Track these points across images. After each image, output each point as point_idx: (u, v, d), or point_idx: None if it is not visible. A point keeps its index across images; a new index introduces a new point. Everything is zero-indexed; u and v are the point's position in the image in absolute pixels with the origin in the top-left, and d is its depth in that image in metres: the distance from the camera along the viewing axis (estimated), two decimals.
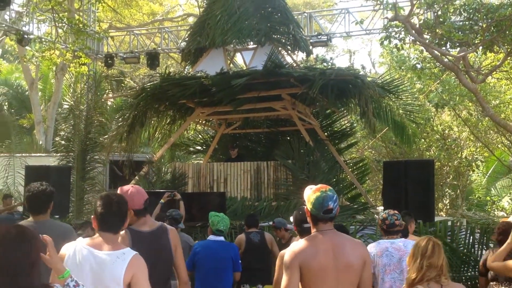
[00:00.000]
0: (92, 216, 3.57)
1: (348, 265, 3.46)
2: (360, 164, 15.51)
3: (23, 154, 17.78)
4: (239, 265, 6.14)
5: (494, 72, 14.78)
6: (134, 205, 4.24)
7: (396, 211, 5.42)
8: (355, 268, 3.49)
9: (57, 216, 10.31)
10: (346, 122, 16.49)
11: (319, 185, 3.67)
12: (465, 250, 8.78)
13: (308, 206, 3.60)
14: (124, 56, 19.82)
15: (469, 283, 8.28)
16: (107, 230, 3.46)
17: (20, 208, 12.18)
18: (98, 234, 3.48)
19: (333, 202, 3.55)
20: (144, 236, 4.27)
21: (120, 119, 14.68)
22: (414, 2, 11.79)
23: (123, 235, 4.30)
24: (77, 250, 3.38)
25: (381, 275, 5.04)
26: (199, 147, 16.87)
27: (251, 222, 7.61)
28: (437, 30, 11.36)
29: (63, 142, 15.04)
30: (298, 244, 3.59)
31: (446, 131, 20.31)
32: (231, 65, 15.97)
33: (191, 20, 25.79)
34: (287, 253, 3.56)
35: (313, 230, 3.62)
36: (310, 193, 3.61)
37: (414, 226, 6.66)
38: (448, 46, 11.96)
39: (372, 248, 5.19)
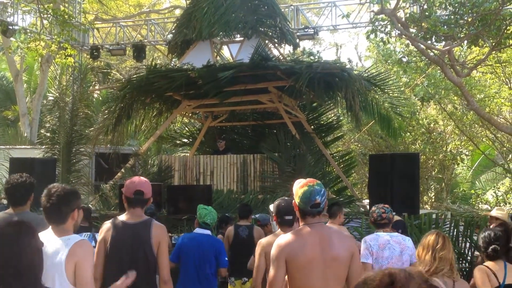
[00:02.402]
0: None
1: (335, 258, 3.45)
2: (346, 157, 15.58)
3: (8, 146, 17.63)
4: (224, 261, 6.07)
5: (479, 66, 14.88)
6: (125, 192, 4.40)
7: (386, 205, 5.54)
8: (343, 261, 3.48)
9: (41, 209, 10.25)
10: (332, 115, 16.54)
11: (307, 179, 3.66)
12: None
13: (296, 200, 3.58)
14: (110, 48, 19.67)
15: None
16: (50, 221, 3.50)
17: (5, 201, 12.09)
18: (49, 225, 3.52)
19: (321, 196, 3.54)
20: (127, 227, 4.31)
21: (106, 111, 14.62)
22: None
23: (108, 224, 4.36)
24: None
25: (384, 268, 5.09)
26: (185, 140, 16.86)
27: (242, 214, 7.62)
28: (423, 24, 11.39)
29: (48, 134, 14.95)
30: (285, 237, 3.58)
31: (432, 125, 20.44)
32: (218, 57, 15.94)
33: (177, 12, 25.65)
34: (274, 246, 3.55)
35: (301, 223, 3.61)
36: (298, 187, 3.60)
37: (342, 217, 6.95)
38: (433, 40, 12.01)
39: (372, 240, 5.26)
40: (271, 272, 3.52)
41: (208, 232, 6.12)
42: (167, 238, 4.48)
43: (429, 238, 4.01)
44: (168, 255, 4.52)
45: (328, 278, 3.45)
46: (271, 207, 4.60)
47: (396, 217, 6.22)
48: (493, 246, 4.86)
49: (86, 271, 3.38)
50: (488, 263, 4.88)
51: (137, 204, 4.40)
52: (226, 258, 6.11)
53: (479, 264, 5.07)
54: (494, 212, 6.93)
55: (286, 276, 3.55)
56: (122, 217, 4.41)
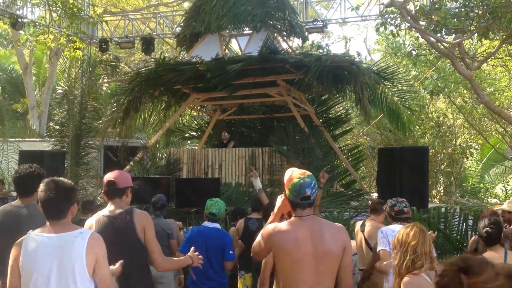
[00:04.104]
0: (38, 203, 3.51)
1: (326, 252, 3.42)
2: (355, 151, 15.56)
3: (17, 139, 17.71)
4: (229, 255, 6.04)
5: (489, 59, 14.78)
6: (103, 187, 4.43)
7: (404, 199, 5.51)
8: (334, 255, 3.45)
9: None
10: (341, 108, 16.51)
11: (298, 171, 3.63)
12: (458, 237, 8.83)
13: (286, 192, 3.57)
14: (119, 41, 19.70)
15: None
16: (49, 217, 3.40)
17: (15, 193, 12.15)
18: (47, 221, 3.43)
19: (311, 189, 3.51)
20: (109, 219, 4.32)
21: (115, 104, 14.65)
22: None
23: (91, 221, 4.38)
24: (28, 240, 3.32)
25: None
26: (194, 133, 16.88)
27: (254, 207, 7.60)
28: (433, 17, 11.32)
29: (57, 127, 14.99)
30: (275, 226, 3.56)
31: (441, 118, 20.34)
32: (227, 50, 15.91)
33: (186, 5, 25.63)
34: (264, 229, 3.58)
35: (292, 215, 3.58)
36: (288, 179, 3.57)
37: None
38: (443, 33, 11.93)
39: (388, 231, 5.25)
40: (257, 245, 3.60)
41: (216, 225, 6.10)
42: (152, 224, 4.47)
43: (404, 232, 3.99)
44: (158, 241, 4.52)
45: (321, 272, 3.42)
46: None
47: None
48: (485, 229, 4.82)
49: (106, 265, 3.37)
50: (487, 253, 4.83)
51: (112, 195, 4.41)
52: (231, 252, 6.08)
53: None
54: (506, 206, 6.87)
55: (276, 269, 3.57)
56: (104, 211, 4.42)
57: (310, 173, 3.61)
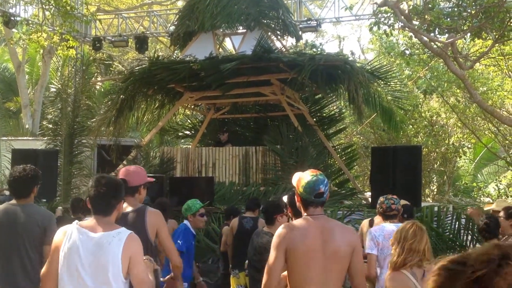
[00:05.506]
0: (87, 198, 3.55)
1: (335, 251, 3.44)
2: (349, 150, 15.57)
3: (10, 138, 17.64)
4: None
5: (482, 59, 14.83)
6: None
7: (394, 196, 5.52)
8: (343, 254, 3.46)
9: (44, 200, 10.29)
10: (335, 107, 16.52)
11: (309, 170, 3.66)
12: (451, 236, 8.86)
13: (299, 190, 3.57)
14: (113, 39, 19.65)
15: None
16: (96, 212, 3.43)
17: (7, 192, 12.11)
18: (93, 216, 3.47)
19: (324, 186, 3.54)
20: (119, 218, 4.30)
21: (109, 103, 14.62)
22: None
23: None
24: (73, 232, 3.36)
25: (388, 257, 5.10)
26: (187, 132, 16.86)
27: (249, 206, 7.63)
28: (426, 16, 11.35)
29: (50, 125, 14.94)
30: (287, 226, 3.58)
31: (434, 118, 20.40)
32: (220, 49, 15.90)
33: (180, 4, 25.59)
34: (275, 235, 3.56)
35: (303, 214, 3.60)
36: (301, 177, 3.59)
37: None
38: (436, 32, 11.96)
39: (377, 231, 5.26)
40: (270, 259, 3.51)
41: (186, 222, 6.52)
42: (165, 223, 4.46)
43: (403, 228, 4.02)
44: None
45: (329, 271, 3.43)
46: (285, 199, 4.56)
47: (403, 201, 6.23)
48: (484, 221, 4.87)
49: (141, 262, 3.38)
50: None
51: (127, 194, 4.35)
52: (179, 242, 6.22)
53: None
54: (495, 206, 6.91)
55: (288, 268, 3.55)
56: None
57: (321, 172, 3.65)
